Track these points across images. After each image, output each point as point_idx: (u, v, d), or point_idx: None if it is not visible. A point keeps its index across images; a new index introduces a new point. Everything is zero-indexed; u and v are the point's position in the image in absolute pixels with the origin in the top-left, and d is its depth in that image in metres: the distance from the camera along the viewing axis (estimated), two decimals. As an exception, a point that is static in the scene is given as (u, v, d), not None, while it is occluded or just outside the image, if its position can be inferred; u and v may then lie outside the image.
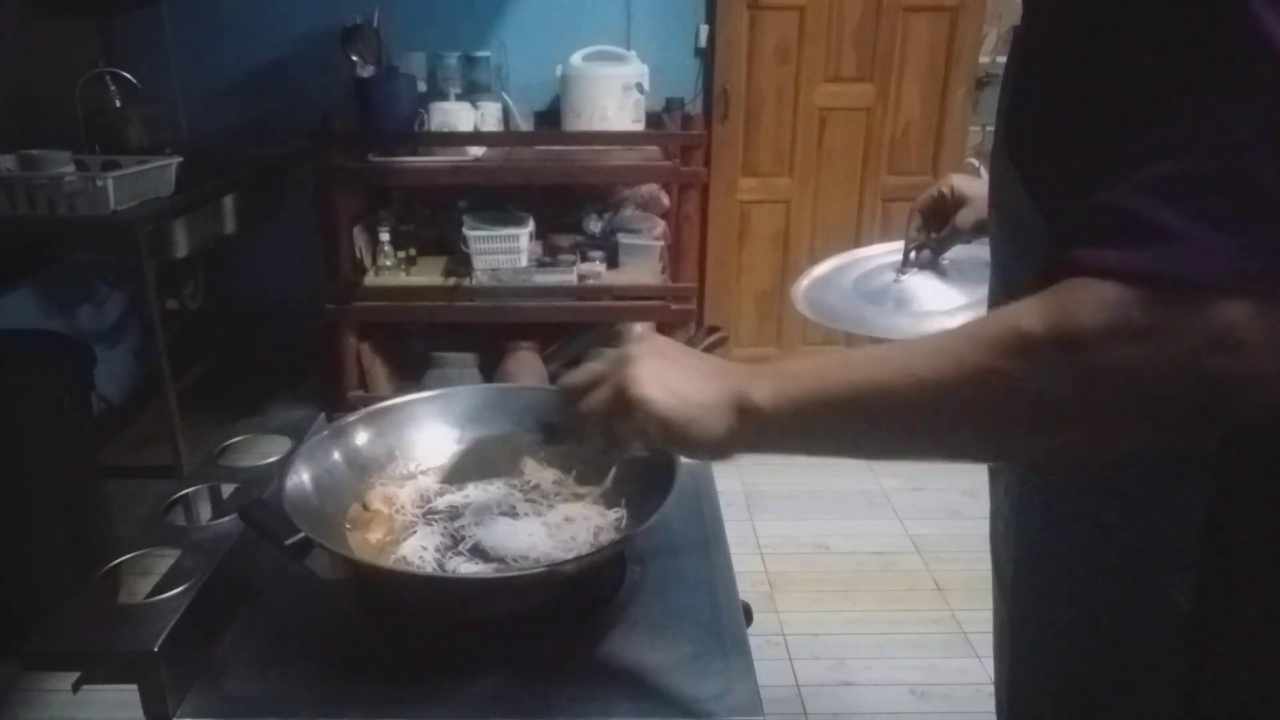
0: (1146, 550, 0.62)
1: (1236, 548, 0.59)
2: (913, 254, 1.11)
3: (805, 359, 0.60)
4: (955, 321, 0.99)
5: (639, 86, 2.91)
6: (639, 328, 3.05)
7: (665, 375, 0.62)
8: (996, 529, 0.80)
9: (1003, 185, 0.65)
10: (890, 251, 1.17)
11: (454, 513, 0.93)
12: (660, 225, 3.03)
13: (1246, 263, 0.45)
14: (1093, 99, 0.53)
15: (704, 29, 3.18)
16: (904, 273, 1.11)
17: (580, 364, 0.71)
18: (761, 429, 0.58)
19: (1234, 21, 0.46)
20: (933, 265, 1.11)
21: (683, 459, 0.88)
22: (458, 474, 0.97)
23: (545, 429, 0.79)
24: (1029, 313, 0.49)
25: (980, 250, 1.08)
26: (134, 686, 0.75)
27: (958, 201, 1.05)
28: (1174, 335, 0.45)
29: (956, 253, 1.10)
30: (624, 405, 0.62)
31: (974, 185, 1.05)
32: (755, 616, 0.94)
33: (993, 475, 0.80)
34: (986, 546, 0.84)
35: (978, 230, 1.03)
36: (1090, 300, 0.47)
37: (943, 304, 1.07)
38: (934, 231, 1.08)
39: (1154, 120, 0.48)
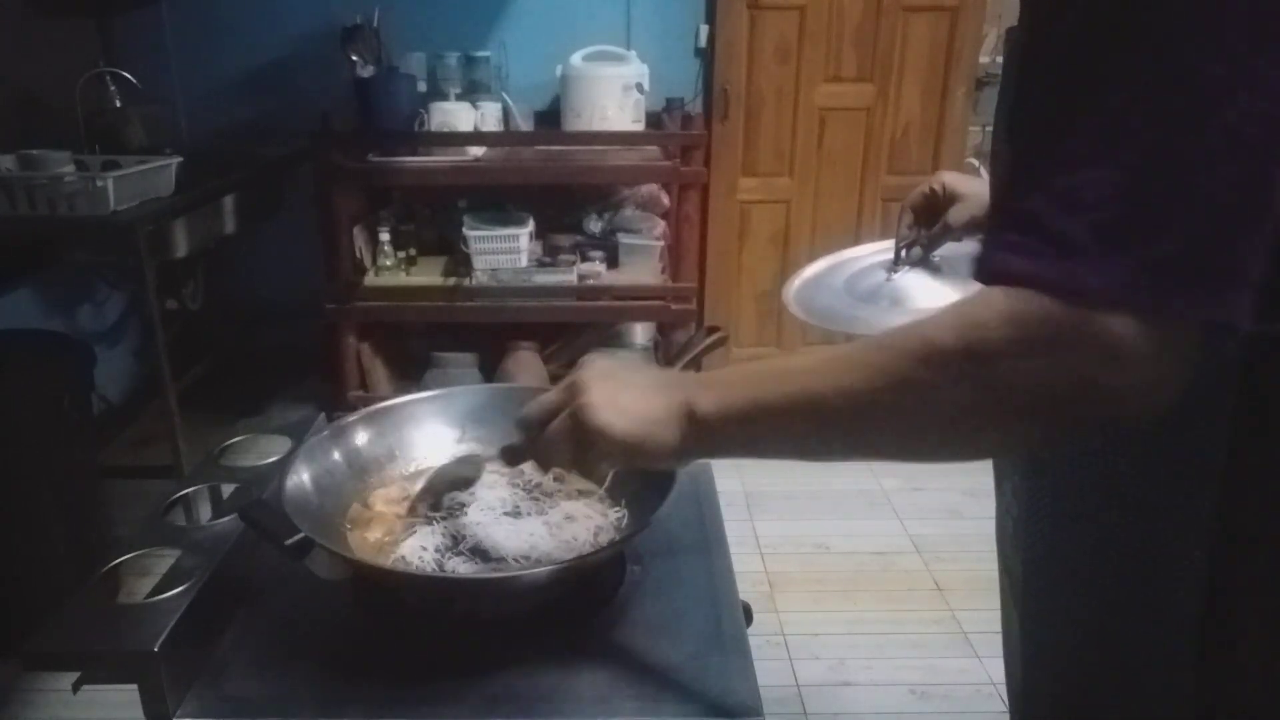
0: (1154, 551, 0.62)
1: (1244, 549, 0.59)
2: (904, 251, 1.10)
3: (747, 367, 0.63)
4: None
5: (639, 86, 2.91)
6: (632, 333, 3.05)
7: (616, 398, 0.64)
8: (1005, 529, 0.79)
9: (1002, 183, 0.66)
10: (881, 250, 1.17)
11: (455, 512, 0.93)
12: (660, 225, 3.03)
13: (1138, 279, 0.47)
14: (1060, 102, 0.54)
15: (704, 29, 3.18)
16: (896, 271, 1.10)
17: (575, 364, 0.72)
18: (708, 436, 0.62)
19: (1155, 43, 0.47)
20: (924, 262, 1.10)
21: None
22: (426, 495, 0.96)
23: (505, 451, 0.79)
24: (942, 325, 0.52)
25: (972, 247, 1.07)
26: (134, 686, 0.75)
27: (950, 198, 1.05)
28: (1069, 348, 0.48)
29: (948, 249, 1.10)
30: (585, 436, 0.65)
31: (966, 182, 1.05)
32: (755, 616, 0.94)
33: (998, 476, 0.80)
34: (987, 546, 0.84)
35: (970, 227, 1.03)
36: (995, 314, 0.50)
37: (936, 301, 1.05)
38: (925, 229, 1.08)
39: (1078, 128, 0.49)
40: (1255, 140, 0.46)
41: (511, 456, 0.79)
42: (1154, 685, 0.65)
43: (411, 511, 0.93)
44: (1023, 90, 0.58)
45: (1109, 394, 0.49)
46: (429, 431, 1.04)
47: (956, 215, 1.03)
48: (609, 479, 0.96)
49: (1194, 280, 0.47)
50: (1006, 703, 0.89)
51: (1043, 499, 0.70)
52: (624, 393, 0.64)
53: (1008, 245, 0.51)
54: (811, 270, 1.17)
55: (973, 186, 1.03)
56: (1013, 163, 0.55)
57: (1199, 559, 0.60)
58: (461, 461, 0.97)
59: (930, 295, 1.06)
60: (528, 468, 1.00)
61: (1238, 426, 0.57)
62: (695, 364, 0.93)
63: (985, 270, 0.52)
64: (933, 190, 1.06)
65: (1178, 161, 0.46)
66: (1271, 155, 0.46)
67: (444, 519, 0.92)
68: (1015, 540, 0.75)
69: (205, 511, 1.00)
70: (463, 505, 0.94)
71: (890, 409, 0.54)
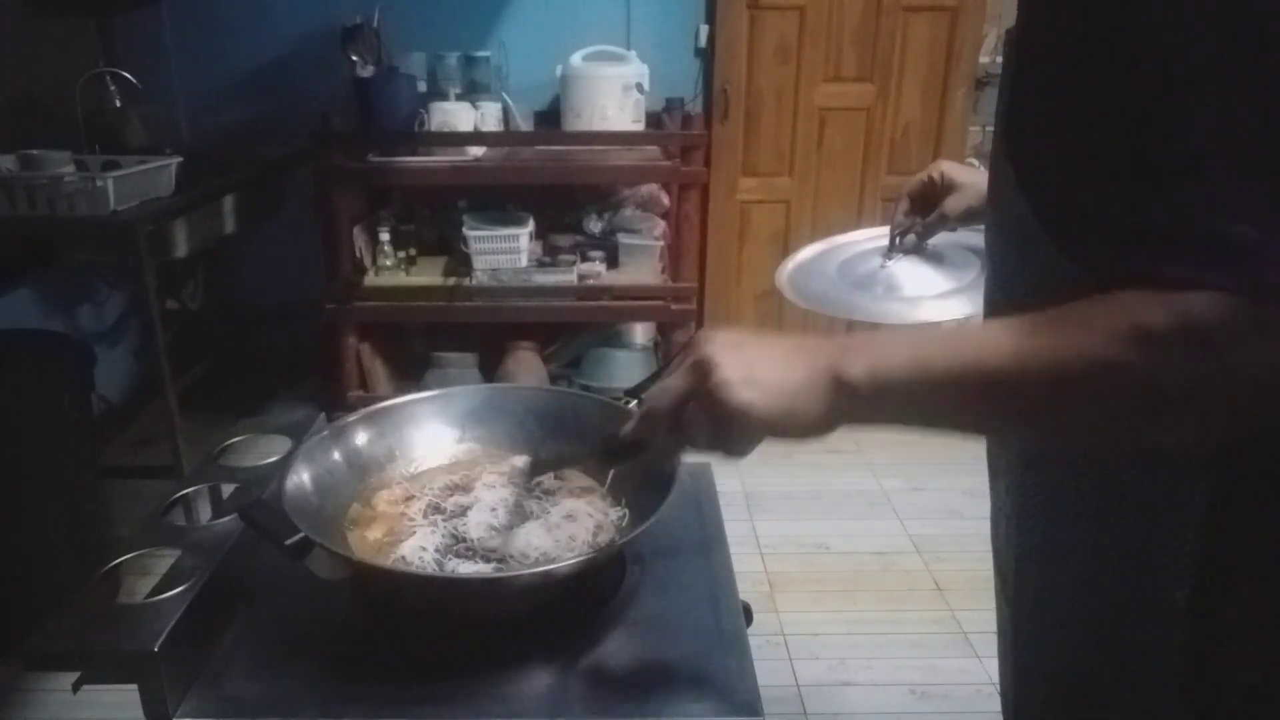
0: (1146, 549, 0.62)
1: (1235, 547, 0.59)
2: (899, 239, 1.11)
3: (897, 335, 0.60)
4: (946, 306, 0.97)
5: (639, 86, 2.91)
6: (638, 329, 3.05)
7: (754, 371, 0.60)
8: (998, 528, 0.80)
9: (1000, 184, 0.66)
10: (875, 236, 1.17)
11: (457, 512, 0.93)
12: (660, 225, 3.03)
13: None
14: (1093, 104, 0.53)
15: (704, 29, 3.18)
16: (890, 258, 1.10)
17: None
18: (860, 403, 0.58)
19: (1255, 22, 0.46)
20: (919, 250, 1.10)
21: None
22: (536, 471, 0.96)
23: (608, 447, 0.75)
24: (1148, 308, 0.49)
25: (966, 236, 1.08)
26: (134, 686, 0.75)
27: (947, 187, 1.05)
28: None
29: (942, 238, 1.10)
30: (725, 418, 0.61)
31: (964, 172, 1.05)
32: (755, 616, 0.94)
33: (993, 475, 0.80)
34: (986, 546, 0.84)
35: (966, 217, 1.03)
36: (1211, 303, 0.48)
37: (930, 289, 1.06)
38: (921, 217, 1.08)
39: (1192, 133, 0.49)
40: None
41: (618, 450, 0.74)
42: (1147, 684, 0.65)
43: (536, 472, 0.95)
44: (1022, 91, 0.58)
45: None
46: (429, 431, 1.04)
47: (953, 205, 1.04)
48: (611, 476, 0.96)
49: None
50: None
51: (1035, 497, 0.70)
52: (760, 364, 0.60)
53: (1189, 258, 0.49)
54: (805, 255, 1.17)
55: (970, 176, 1.04)
56: (1062, 163, 0.54)
57: (1192, 556, 0.60)
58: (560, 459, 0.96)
59: (924, 283, 1.07)
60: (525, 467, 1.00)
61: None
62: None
63: (1182, 287, 0.49)
64: (931, 179, 1.06)
65: None
66: None
67: (446, 519, 0.92)
68: (1008, 538, 0.76)
69: (205, 511, 1.00)
70: (463, 506, 0.94)
71: (1087, 390, 0.52)
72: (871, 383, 0.57)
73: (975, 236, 1.08)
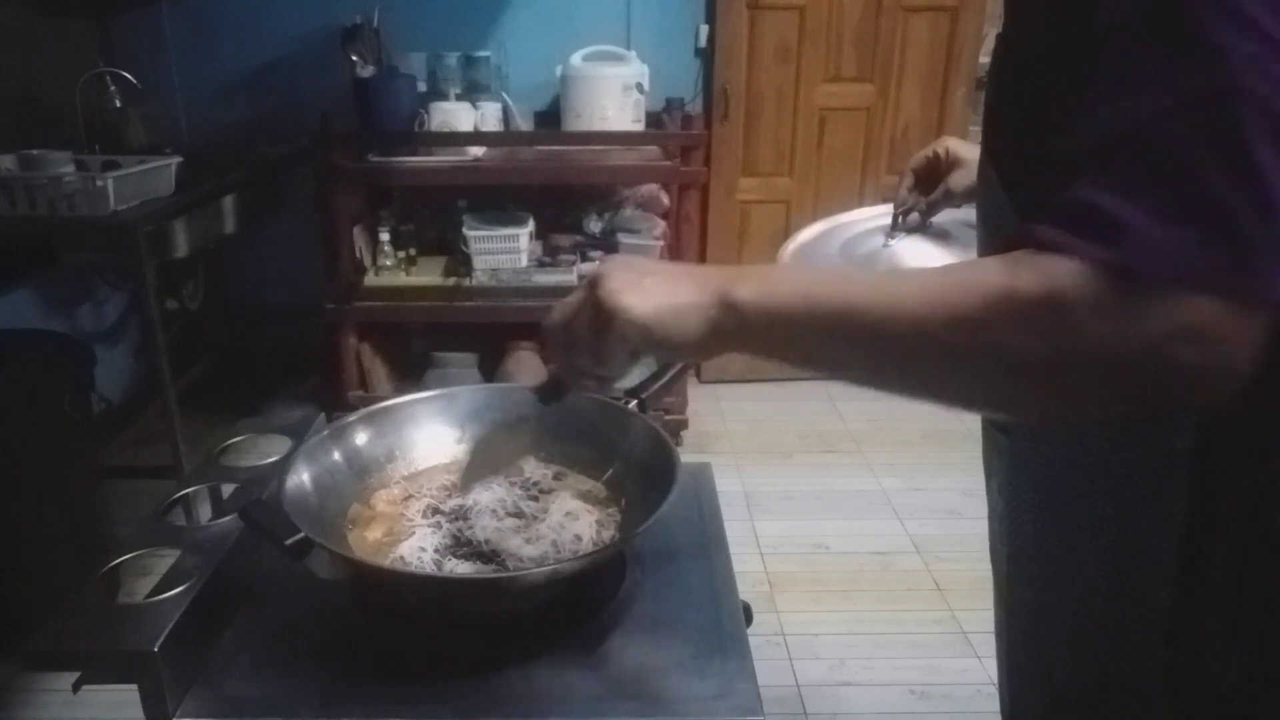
0: (1127, 544, 0.63)
1: (1213, 548, 0.60)
2: (902, 217, 1.08)
3: (791, 268, 0.62)
4: None
5: (639, 86, 2.91)
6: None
7: (640, 282, 0.61)
8: (993, 527, 0.80)
9: (986, 184, 0.66)
10: (877, 215, 1.14)
11: (457, 513, 0.93)
12: (660, 225, 3.03)
13: (1206, 259, 0.46)
14: (1043, 89, 0.55)
15: (704, 29, 3.18)
16: (893, 236, 1.08)
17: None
18: (742, 328, 0.58)
19: (1182, 25, 0.47)
20: (922, 228, 1.08)
21: (681, 456, 0.89)
22: (471, 477, 0.96)
23: (538, 390, 0.78)
24: (1021, 271, 0.50)
25: (970, 214, 1.07)
26: (134, 686, 0.75)
27: (952, 163, 1.03)
28: (1148, 321, 0.47)
29: (946, 216, 1.08)
30: (604, 318, 0.61)
31: (969, 148, 1.03)
32: (755, 616, 0.94)
33: (987, 474, 0.80)
34: (987, 546, 0.84)
35: (971, 194, 1.00)
36: (1081, 275, 0.48)
37: (930, 264, 1.03)
38: (925, 194, 1.06)
39: (1108, 116, 0.49)
40: None
41: (544, 393, 0.77)
42: (1133, 683, 0.65)
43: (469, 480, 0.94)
44: (1001, 89, 0.59)
45: (1185, 372, 0.48)
46: (429, 431, 1.04)
47: (958, 181, 1.02)
48: (610, 474, 0.96)
49: (1273, 261, 0.46)
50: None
51: (1024, 497, 0.70)
52: (649, 278, 0.61)
53: (1070, 231, 0.49)
54: (807, 234, 1.15)
55: (974, 152, 1.01)
56: (1035, 160, 0.54)
57: (1171, 558, 0.60)
58: (498, 434, 0.97)
59: (928, 262, 1.03)
60: (528, 467, 1.00)
61: (1205, 418, 0.57)
62: (695, 365, 0.93)
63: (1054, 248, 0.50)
64: (935, 155, 1.05)
65: (1226, 141, 0.46)
66: None
67: (446, 519, 0.92)
68: (1001, 537, 0.76)
69: (205, 511, 1.00)
70: (463, 506, 0.94)
71: (950, 344, 0.52)
72: (756, 305, 0.57)
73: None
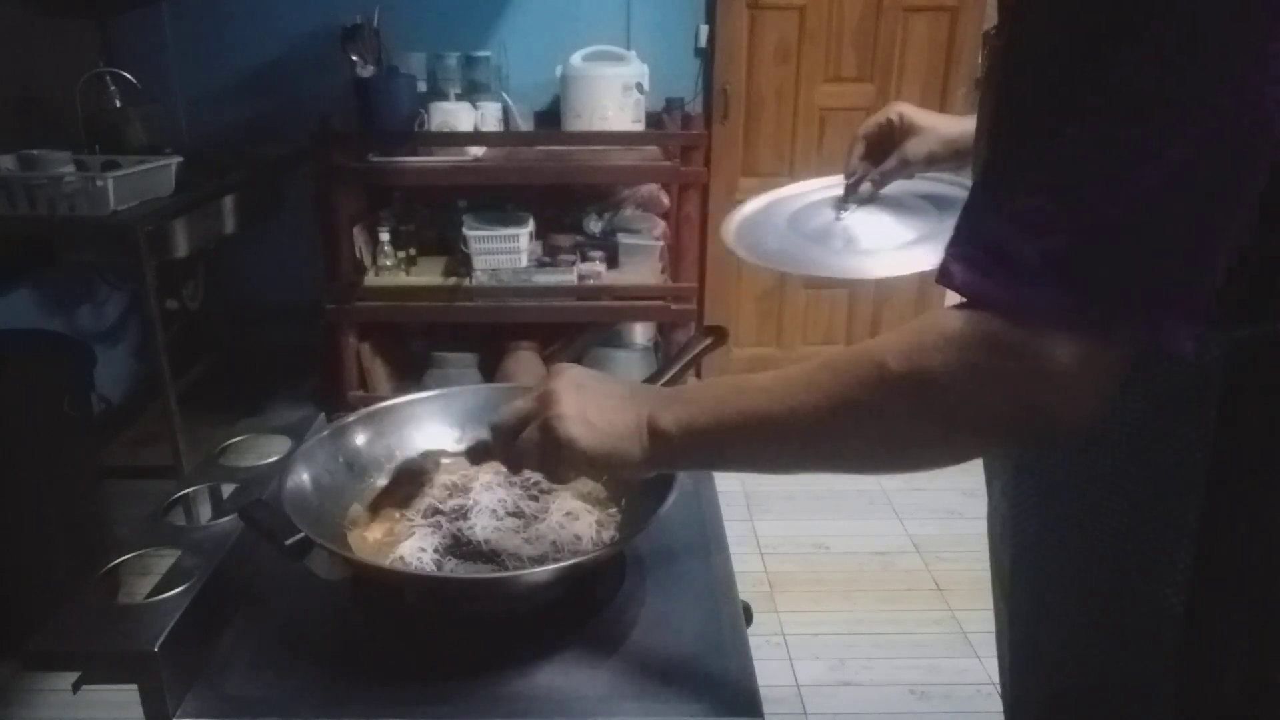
0: (1139, 551, 0.62)
1: (1229, 551, 0.60)
2: (854, 187, 1.03)
3: (710, 385, 0.66)
4: (907, 258, 0.94)
5: (639, 86, 2.91)
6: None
7: (585, 411, 0.67)
8: (994, 528, 0.80)
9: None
10: (824, 186, 1.09)
11: (457, 513, 0.93)
12: (660, 225, 3.03)
13: (1078, 304, 0.49)
14: (1001, 114, 0.56)
15: (704, 29, 3.18)
16: (846, 208, 1.02)
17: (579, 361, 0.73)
18: (670, 451, 0.65)
19: (1113, 73, 0.48)
20: (875, 199, 1.02)
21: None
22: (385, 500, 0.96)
23: (471, 452, 0.83)
24: (889, 349, 0.55)
25: (920, 184, 1.04)
26: (134, 686, 0.75)
27: (906, 130, 0.99)
28: (1010, 372, 0.51)
29: (899, 185, 1.03)
30: (553, 446, 0.67)
31: (925, 115, 0.99)
32: (755, 616, 0.94)
33: (989, 475, 0.80)
34: (986, 546, 0.84)
35: (929, 162, 0.98)
36: (943, 338, 0.53)
37: (890, 240, 0.98)
38: (877, 162, 1.01)
39: (1037, 153, 0.51)
40: (1205, 175, 0.47)
41: (476, 456, 0.83)
42: (1138, 682, 0.65)
43: (382, 505, 0.94)
44: (1002, 100, 0.59)
45: (1044, 413, 0.52)
46: (429, 431, 1.04)
47: (914, 149, 0.98)
48: (588, 481, 0.97)
49: (1131, 307, 0.49)
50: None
51: (1029, 498, 0.70)
52: (592, 406, 0.67)
53: (965, 258, 0.53)
54: (750, 209, 1.09)
55: (931, 120, 0.99)
56: (980, 175, 0.57)
57: (1186, 559, 0.60)
58: (424, 456, 0.99)
59: (884, 235, 0.99)
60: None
61: (1222, 428, 0.57)
62: (694, 365, 0.93)
63: (941, 274, 0.54)
64: (889, 121, 1.00)
65: (1125, 193, 0.48)
66: (1223, 188, 0.48)
67: (446, 520, 0.92)
68: (1003, 538, 0.76)
69: (205, 511, 1.00)
70: (462, 507, 0.94)
71: (841, 430, 0.58)
72: (680, 432, 0.64)
73: (931, 184, 1.04)
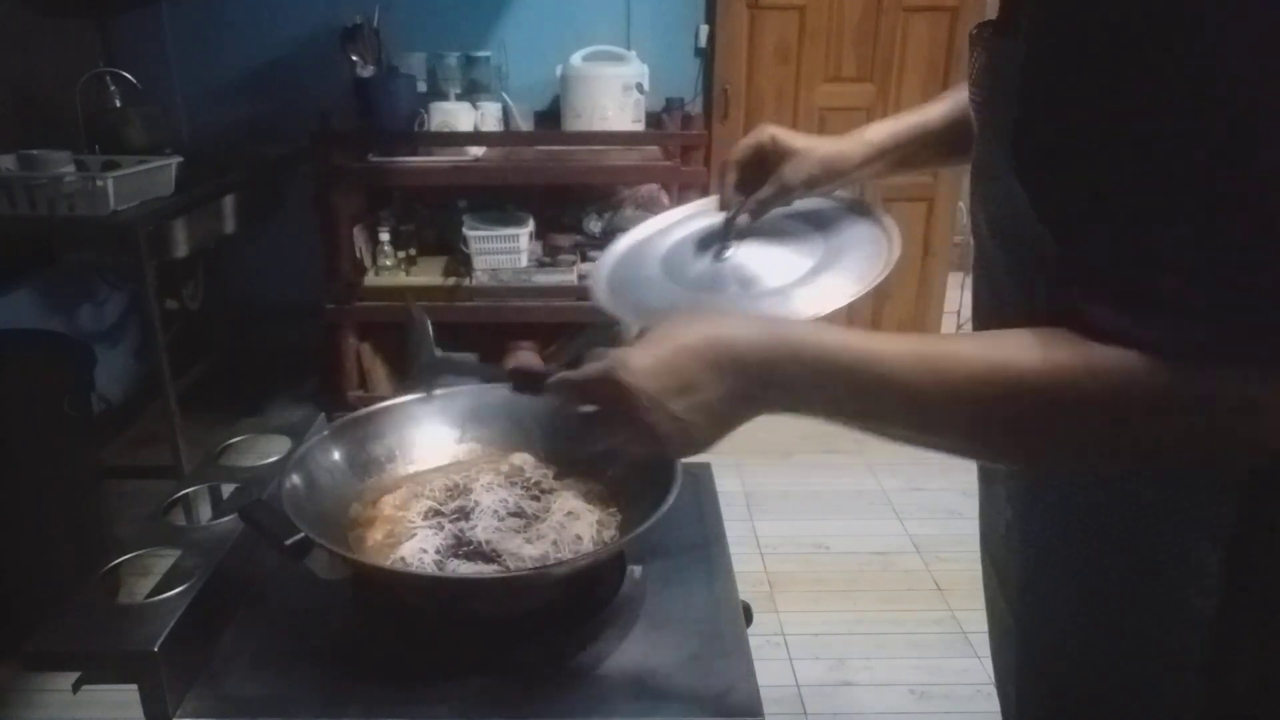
0: (1167, 557, 0.61)
1: (1264, 556, 0.59)
2: (733, 219, 0.94)
3: (811, 376, 0.59)
4: (818, 293, 0.85)
5: (639, 86, 2.91)
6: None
7: (685, 429, 0.61)
8: (994, 530, 0.79)
9: (1000, 198, 0.63)
10: (695, 217, 0.99)
11: (458, 514, 0.93)
12: (660, 225, 3.03)
13: (1259, 333, 0.48)
14: (1119, 144, 0.52)
15: (704, 29, 3.18)
16: (728, 245, 0.92)
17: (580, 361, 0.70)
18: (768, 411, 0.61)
19: (1203, 82, 0.46)
20: (756, 229, 0.93)
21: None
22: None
23: (515, 377, 0.76)
24: (1079, 372, 0.52)
25: (811, 204, 0.96)
26: (134, 686, 0.75)
27: (781, 154, 0.92)
28: (1208, 406, 0.50)
29: (777, 210, 0.94)
30: (633, 440, 0.63)
31: (798, 137, 0.93)
32: (755, 616, 0.94)
33: (985, 477, 0.79)
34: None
35: (808, 185, 0.91)
36: (1139, 372, 0.50)
37: (791, 274, 0.88)
38: (751, 190, 0.93)
39: (1149, 187, 0.49)
40: None
41: (522, 382, 0.75)
42: (1162, 687, 0.64)
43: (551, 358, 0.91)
44: (1034, 112, 0.56)
45: (1250, 442, 0.51)
46: (429, 431, 1.04)
47: (792, 173, 0.91)
48: (611, 476, 0.96)
49: None
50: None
51: (1040, 503, 0.69)
52: (691, 414, 0.61)
53: (1113, 300, 0.51)
54: (613, 260, 0.98)
55: (805, 141, 0.93)
56: (1086, 216, 0.54)
57: (1215, 564, 0.59)
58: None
59: (780, 270, 0.89)
60: (528, 467, 1.00)
61: None
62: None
63: (1078, 318, 0.52)
64: (761, 145, 0.93)
65: (1258, 210, 0.47)
66: None
67: (447, 520, 0.92)
68: (1009, 543, 0.75)
69: (205, 511, 1.00)
70: (462, 507, 0.94)
71: (1015, 443, 0.57)
72: (787, 412, 0.61)
73: (800, 203, 0.96)
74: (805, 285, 0.86)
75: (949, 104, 0.92)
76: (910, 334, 0.60)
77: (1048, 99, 0.55)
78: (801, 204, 0.95)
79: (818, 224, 0.94)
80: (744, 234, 0.93)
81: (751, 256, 0.91)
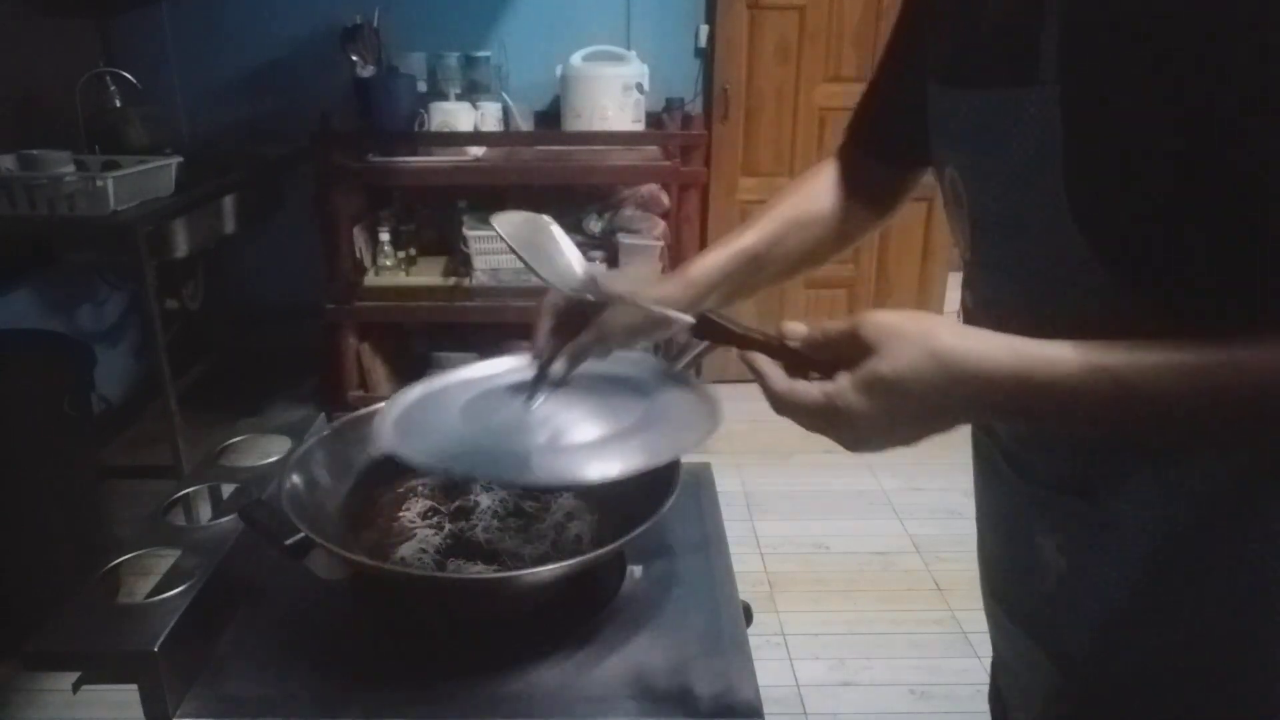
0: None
1: None
2: (546, 368, 0.86)
3: (1021, 393, 0.57)
4: (635, 451, 0.78)
5: (639, 86, 2.91)
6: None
7: (886, 443, 0.61)
8: (1033, 590, 0.74)
9: (1047, 235, 0.61)
10: (496, 371, 0.94)
11: (459, 514, 0.93)
12: (660, 225, 3.03)
13: None
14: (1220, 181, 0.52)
15: (704, 29, 3.18)
16: (539, 392, 0.85)
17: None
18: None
19: None
20: (567, 381, 0.86)
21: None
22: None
23: (705, 322, 0.71)
24: None
25: (620, 369, 0.90)
26: (134, 686, 0.75)
27: (601, 300, 0.85)
28: None
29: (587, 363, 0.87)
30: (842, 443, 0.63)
31: (619, 280, 0.85)
32: (755, 616, 0.94)
33: (1021, 535, 0.75)
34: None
35: (629, 335, 0.85)
36: None
37: (601, 430, 0.80)
38: (569, 337, 0.86)
39: None
40: None
41: (703, 334, 0.72)
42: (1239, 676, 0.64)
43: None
44: (1099, 151, 0.56)
45: None
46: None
47: (613, 323, 0.84)
48: None
49: None
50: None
51: (1104, 555, 0.66)
52: (897, 433, 0.60)
53: None
54: (407, 401, 0.92)
55: (626, 287, 0.85)
56: (1167, 233, 0.54)
57: None
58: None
59: (593, 424, 0.81)
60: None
61: None
62: (695, 365, 0.91)
63: None
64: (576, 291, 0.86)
65: None
66: None
67: (446, 520, 0.92)
68: (1062, 599, 0.71)
69: (205, 511, 1.00)
70: (464, 507, 0.94)
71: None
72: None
73: (618, 364, 0.90)
74: (618, 442, 0.79)
75: (770, 223, 0.89)
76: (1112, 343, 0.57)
77: (1118, 136, 0.54)
78: (622, 369, 0.90)
79: (638, 387, 0.89)
80: (558, 383, 0.86)
81: (564, 407, 0.84)
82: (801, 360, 0.64)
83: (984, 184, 0.67)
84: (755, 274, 0.89)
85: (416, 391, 0.92)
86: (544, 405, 0.84)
